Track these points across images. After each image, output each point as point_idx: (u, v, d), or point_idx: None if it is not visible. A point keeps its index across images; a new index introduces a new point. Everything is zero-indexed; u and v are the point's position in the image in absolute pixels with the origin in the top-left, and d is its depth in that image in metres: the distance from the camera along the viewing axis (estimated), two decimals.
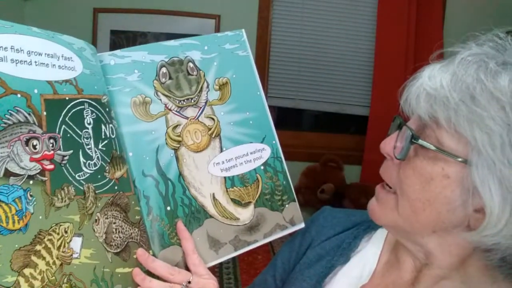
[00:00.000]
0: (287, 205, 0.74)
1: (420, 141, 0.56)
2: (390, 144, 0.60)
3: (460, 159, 0.53)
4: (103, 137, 0.59)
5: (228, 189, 0.71)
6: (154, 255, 0.65)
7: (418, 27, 2.43)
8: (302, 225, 0.76)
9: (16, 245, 0.47)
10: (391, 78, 2.35)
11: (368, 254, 0.71)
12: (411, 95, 0.57)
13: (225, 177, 0.71)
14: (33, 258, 0.48)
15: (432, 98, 0.54)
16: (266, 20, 2.56)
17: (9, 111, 0.48)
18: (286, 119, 2.83)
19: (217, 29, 2.50)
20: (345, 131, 2.78)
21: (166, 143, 0.67)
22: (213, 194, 0.70)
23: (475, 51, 0.55)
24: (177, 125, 0.68)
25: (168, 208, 0.67)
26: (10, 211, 0.47)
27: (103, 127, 0.60)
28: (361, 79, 2.64)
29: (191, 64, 0.70)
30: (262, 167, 0.73)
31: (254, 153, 0.73)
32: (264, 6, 2.55)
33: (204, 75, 0.71)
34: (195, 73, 0.70)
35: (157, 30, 2.48)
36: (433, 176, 0.55)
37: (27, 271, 0.48)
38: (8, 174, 0.47)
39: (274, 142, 0.74)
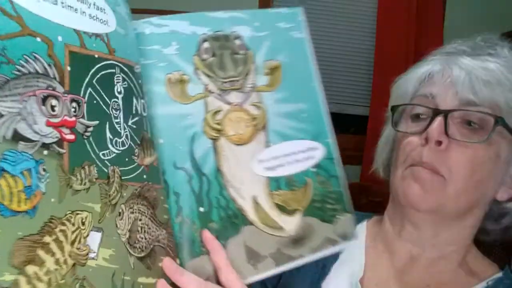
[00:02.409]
0: (340, 217, 0.62)
1: (501, 125, 0.61)
2: (440, 130, 0.62)
3: None
4: (134, 112, 0.48)
5: (272, 192, 0.59)
6: (181, 264, 0.52)
7: (418, 27, 2.42)
8: (355, 239, 0.63)
9: (20, 233, 0.35)
10: (391, 78, 2.32)
11: (355, 249, 0.73)
12: (459, 86, 0.62)
13: (269, 178, 0.59)
14: (40, 252, 0.36)
15: (489, 84, 0.61)
16: None
17: (25, 56, 0.37)
18: None
19: None
20: (345, 131, 2.72)
21: (204, 131, 0.56)
22: (255, 196, 0.58)
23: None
24: (217, 111, 0.57)
25: (201, 209, 0.55)
26: (16, 185, 0.35)
27: (134, 100, 0.48)
28: (361, 79, 2.60)
29: (238, 41, 0.60)
30: (313, 169, 0.62)
31: (305, 152, 0.61)
32: (264, 6, 2.53)
33: (253, 56, 0.60)
34: (242, 52, 0.60)
35: None
36: (487, 157, 0.62)
37: (30, 269, 0.35)
38: (17, 137, 0.36)
39: (329, 140, 0.63)
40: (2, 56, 0.35)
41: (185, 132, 0.55)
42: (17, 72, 0.36)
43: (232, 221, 0.56)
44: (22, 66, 0.37)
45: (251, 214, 0.57)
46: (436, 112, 0.63)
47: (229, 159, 0.57)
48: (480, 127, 0.62)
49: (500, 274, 0.67)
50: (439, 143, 0.62)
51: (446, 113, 0.62)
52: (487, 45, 0.66)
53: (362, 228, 0.77)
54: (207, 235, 0.54)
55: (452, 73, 0.63)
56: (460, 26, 2.34)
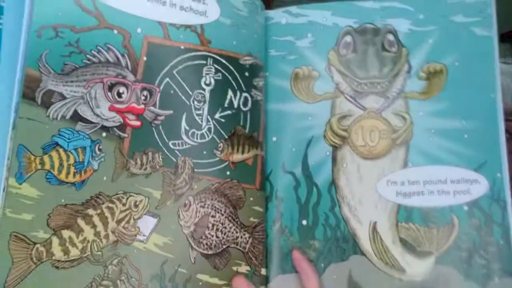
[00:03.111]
0: (496, 279, 0.44)
1: None
2: None
3: None
4: (226, 105, 0.46)
5: (399, 223, 0.47)
6: (267, 276, 0.48)
7: None
8: None
9: (63, 200, 0.40)
10: None
11: None
12: None
13: (399, 205, 0.47)
14: (80, 221, 0.40)
15: None
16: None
17: (98, 46, 0.41)
18: None
19: None
20: None
21: (324, 136, 0.49)
22: (375, 223, 0.47)
23: None
24: (346, 116, 0.49)
25: (304, 222, 0.48)
26: (67, 159, 0.40)
27: (230, 93, 0.47)
28: None
29: (391, 37, 0.49)
30: (466, 208, 0.45)
31: (459, 184, 0.45)
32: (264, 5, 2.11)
33: (407, 55, 0.48)
34: (394, 49, 0.48)
35: None
36: None
37: (66, 233, 0.40)
38: (76, 117, 0.41)
39: (499, 175, 0.45)
40: (75, 47, 0.40)
41: (303, 133, 0.49)
42: (87, 61, 0.41)
43: (339, 244, 0.48)
44: (93, 55, 0.41)
45: (365, 242, 0.47)
46: None
47: (349, 173, 0.48)
48: None
49: None
50: None
51: None
52: None
53: None
54: (296, 255, 0.47)
55: None
56: None
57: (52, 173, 0.39)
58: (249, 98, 0.48)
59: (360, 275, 0.47)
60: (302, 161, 0.49)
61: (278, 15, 0.51)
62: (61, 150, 0.40)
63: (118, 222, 0.42)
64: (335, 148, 0.48)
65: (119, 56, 0.42)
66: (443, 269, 0.45)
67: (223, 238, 0.46)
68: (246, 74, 0.48)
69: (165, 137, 0.44)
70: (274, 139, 0.50)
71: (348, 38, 0.49)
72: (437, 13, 0.48)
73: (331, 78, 0.49)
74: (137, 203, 0.42)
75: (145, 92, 0.43)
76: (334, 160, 0.48)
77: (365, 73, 0.48)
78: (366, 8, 0.50)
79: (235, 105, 0.47)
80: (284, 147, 0.49)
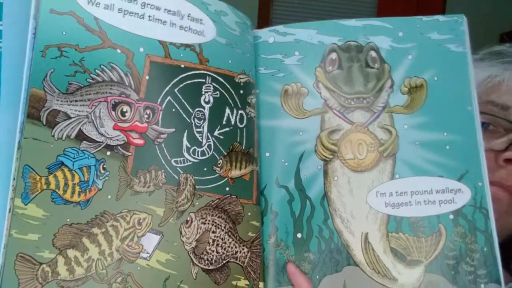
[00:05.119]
0: (482, 285, 0.47)
1: None
2: None
3: None
4: (224, 123, 0.48)
5: (390, 234, 0.49)
6: None
7: None
8: None
9: (68, 219, 0.40)
10: None
11: None
12: None
13: (389, 216, 0.49)
14: (85, 240, 0.40)
15: None
16: (266, 20, 2.55)
17: (102, 66, 0.42)
18: None
19: None
20: None
21: (315, 151, 0.51)
22: (366, 234, 0.49)
23: None
24: (335, 130, 0.51)
25: (299, 235, 0.50)
26: (72, 179, 0.40)
27: (227, 111, 0.48)
28: None
29: (373, 53, 0.52)
30: (451, 216, 0.48)
31: (443, 193, 0.49)
32: (264, 6, 2.54)
33: (389, 70, 0.51)
34: (377, 65, 0.51)
35: None
36: None
37: (71, 252, 0.40)
38: (81, 137, 0.41)
39: (480, 184, 0.48)
40: (79, 66, 0.41)
41: (295, 148, 0.51)
42: (91, 80, 0.41)
43: (333, 256, 0.50)
44: (98, 75, 0.41)
45: (358, 253, 0.49)
46: None
47: (341, 186, 0.50)
48: None
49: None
50: None
51: None
52: None
53: None
54: (291, 269, 0.49)
55: None
56: None
57: (57, 193, 0.39)
58: (244, 115, 0.49)
59: (354, 285, 0.49)
60: (295, 175, 0.51)
61: (266, 34, 0.53)
62: (66, 169, 0.40)
63: (122, 240, 0.42)
64: (326, 161, 0.50)
65: (123, 75, 0.42)
66: (432, 277, 0.48)
67: (223, 253, 0.47)
68: (241, 91, 0.49)
69: (167, 154, 0.44)
70: (267, 154, 0.51)
71: (333, 55, 0.52)
72: (414, 30, 0.52)
73: (319, 94, 0.51)
74: (141, 221, 0.43)
75: (148, 111, 0.43)
76: (325, 173, 0.50)
77: (351, 89, 0.51)
78: (349, 27, 0.52)
79: (232, 122, 0.48)
80: (277, 162, 0.51)
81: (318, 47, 0.52)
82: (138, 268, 0.42)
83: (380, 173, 0.50)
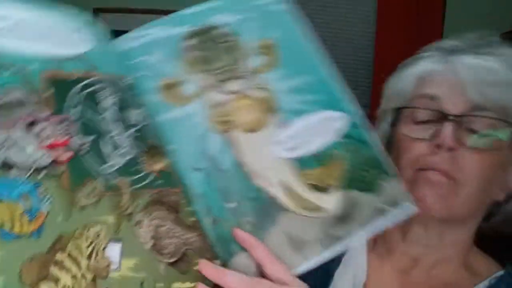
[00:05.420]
0: (382, 183, 0.58)
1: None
2: (451, 138, 0.61)
3: None
4: (132, 122, 0.48)
5: (301, 173, 0.56)
6: (223, 265, 0.51)
7: (418, 28, 2.41)
8: (410, 206, 0.58)
9: (27, 254, 0.35)
10: None
11: (356, 253, 0.72)
12: (468, 88, 0.61)
13: (294, 159, 0.56)
14: (53, 269, 0.36)
15: (497, 85, 0.60)
16: None
17: (4, 88, 0.38)
18: None
19: None
20: None
21: (212, 127, 0.55)
22: (284, 181, 0.55)
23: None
24: (220, 104, 0.56)
25: (231, 205, 0.53)
26: (15, 209, 0.36)
27: (130, 111, 0.49)
28: (361, 79, 2.54)
29: (222, 30, 0.58)
30: (340, 140, 0.58)
31: (326, 123, 0.58)
32: None
33: (241, 40, 0.59)
34: (230, 38, 0.58)
35: None
36: (496, 161, 0.62)
37: (44, 285, 0.35)
38: (7, 165, 0.37)
39: (348, 107, 0.59)
40: None
41: (193, 132, 0.54)
42: None
43: (266, 211, 0.54)
44: (1, 98, 0.38)
45: (284, 200, 0.55)
46: (444, 117, 0.62)
47: (247, 149, 0.55)
48: (489, 132, 0.61)
49: (501, 272, 0.66)
50: (451, 149, 0.61)
51: (456, 119, 0.61)
52: (485, 43, 0.65)
53: None
54: (238, 233, 0.52)
55: (457, 74, 0.62)
56: (460, 26, 2.30)
57: (4, 230, 0.35)
58: (144, 113, 0.50)
59: (293, 228, 0.54)
60: (205, 155, 0.54)
61: (122, 42, 0.55)
62: (5, 202, 0.36)
63: (89, 257, 0.39)
64: (226, 133, 0.55)
65: (26, 94, 0.40)
66: (348, 194, 0.56)
67: (178, 243, 0.47)
68: (132, 92, 0.50)
69: (95, 163, 0.43)
70: (172, 146, 0.53)
71: (188, 42, 0.57)
72: (245, 2, 0.60)
73: (192, 78, 0.56)
74: (99, 233, 0.40)
75: (62, 125, 0.41)
76: (230, 143, 0.55)
77: (216, 65, 0.57)
78: (193, 13, 0.58)
79: (137, 120, 0.49)
80: (184, 151, 0.53)
81: (173, 38, 0.56)
82: (112, 281, 0.40)
83: (273, 127, 0.56)
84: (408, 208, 0.56)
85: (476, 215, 0.67)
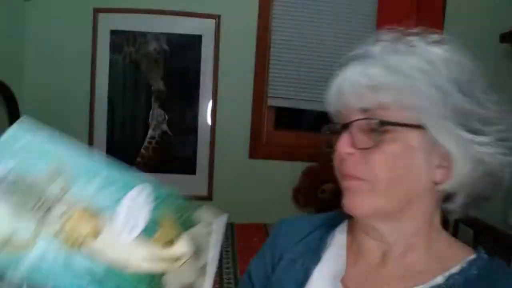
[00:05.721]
0: (197, 214, 0.71)
1: (387, 125, 0.64)
2: (347, 143, 0.67)
3: (416, 125, 0.63)
4: None
5: (150, 241, 0.63)
6: None
7: (418, 28, 2.48)
8: (223, 215, 0.72)
9: None
10: None
11: (338, 249, 0.77)
12: (347, 96, 0.66)
13: (139, 236, 0.63)
14: None
15: (374, 88, 0.64)
16: (266, 20, 2.55)
17: None
18: (286, 119, 2.77)
19: (217, 29, 2.51)
20: None
21: (69, 250, 0.57)
22: (145, 257, 0.62)
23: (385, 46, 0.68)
24: (59, 230, 0.58)
25: None
26: None
27: None
28: None
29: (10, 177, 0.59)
30: (153, 204, 0.68)
31: (138, 199, 0.66)
32: (264, 6, 2.55)
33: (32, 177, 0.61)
34: (22, 179, 0.59)
35: (157, 30, 2.49)
36: (399, 152, 0.64)
37: None
38: None
39: (143, 178, 0.68)
40: None
41: (58, 263, 0.56)
42: None
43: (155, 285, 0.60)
44: None
45: (157, 269, 0.61)
46: (341, 126, 0.69)
47: (106, 250, 0.59)
48: (378, 130, 0.64)
49: (473, 256, 0.68)
50: (350, 154, 0.66)
51: (345, 127, 0.67)
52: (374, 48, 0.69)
53: (344, 227, 0.80)
54: None
55: (341, 85, 0.68)
56: (460, 26, 2.31)
57: None
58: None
59: (177, 282, 0.62)
60: (74, 275, 0.56)
61: None
62: None
63: None
64: (82, 247, 0.58)
65: None
66: (186, 234, 0.66)
67: None
68: None
69: None
70: (51, 284, 0.54)
71: None
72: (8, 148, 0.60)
73: (22, 224, 0.56)
74: None
75: None
76: (91, 254, 0.58)
77: (32, 203, 0.58)
78: None
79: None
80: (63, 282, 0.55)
81: None
82: None
83: (108, 223, 0.61)
84: (223, 217, 0.72)
85: (413, 203, 0.67)
